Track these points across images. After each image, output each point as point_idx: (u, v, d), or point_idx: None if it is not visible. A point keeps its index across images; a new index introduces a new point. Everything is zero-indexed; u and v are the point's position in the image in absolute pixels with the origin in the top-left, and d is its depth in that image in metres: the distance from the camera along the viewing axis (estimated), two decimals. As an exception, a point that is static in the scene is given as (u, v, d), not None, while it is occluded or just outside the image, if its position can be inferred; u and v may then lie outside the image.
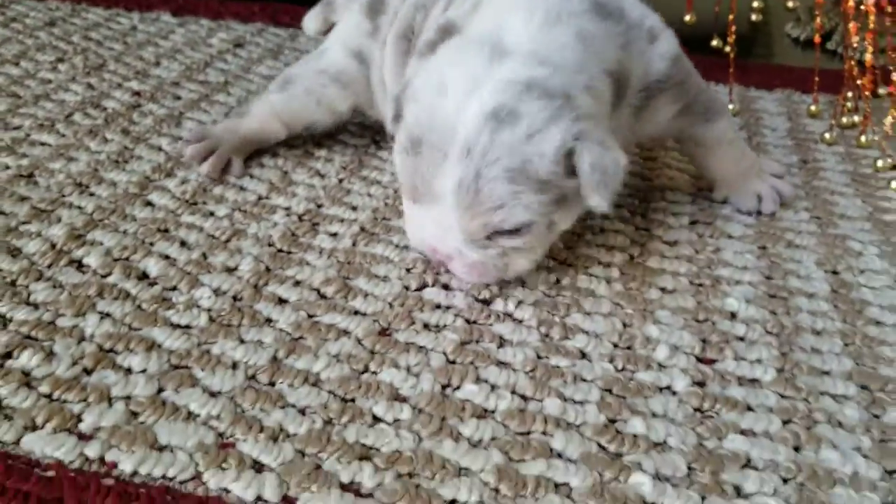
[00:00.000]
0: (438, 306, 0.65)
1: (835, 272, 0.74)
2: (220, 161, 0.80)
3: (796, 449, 0.54)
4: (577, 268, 0.71)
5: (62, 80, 0.97)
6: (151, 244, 0.69)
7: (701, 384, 0.59)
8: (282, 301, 0.64)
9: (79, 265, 0.66)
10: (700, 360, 0.62)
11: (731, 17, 1.15)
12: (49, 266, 0.65)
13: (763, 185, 0.83)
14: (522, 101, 0.59)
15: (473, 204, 0.60)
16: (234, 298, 0.64)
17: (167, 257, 0.68)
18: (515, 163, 0.59)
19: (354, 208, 0.77)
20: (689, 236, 0.78)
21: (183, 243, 0.69)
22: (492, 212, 0.60)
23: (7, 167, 0.78)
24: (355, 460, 0.50)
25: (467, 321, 0.64)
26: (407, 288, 0.67)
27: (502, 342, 0.62)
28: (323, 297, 0.65)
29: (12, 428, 0.50)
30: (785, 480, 0.52)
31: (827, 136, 1.00)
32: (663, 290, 0.69)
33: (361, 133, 0.92)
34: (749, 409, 0.57)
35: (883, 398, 0.59)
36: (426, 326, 0.62)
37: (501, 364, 0.59)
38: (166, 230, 0.71)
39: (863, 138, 0.99)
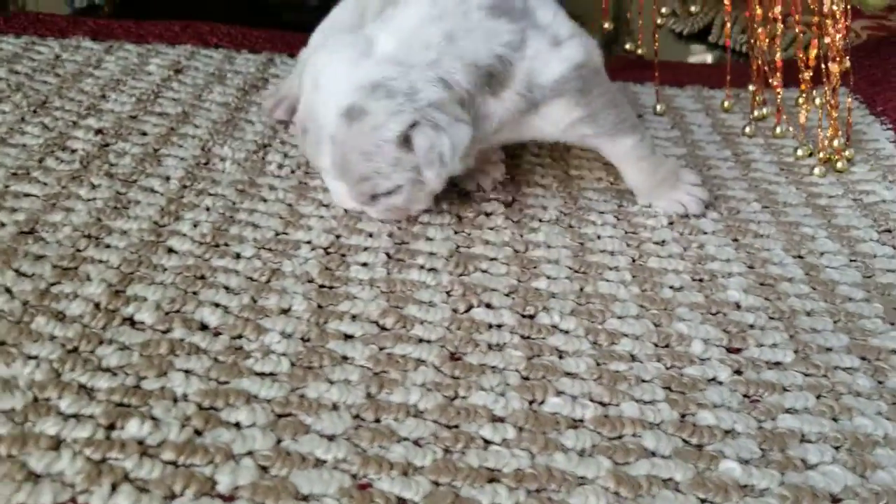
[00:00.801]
0: (491, 325, 0.69)
1: (800, 256, 0.84)
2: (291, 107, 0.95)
3: (834, 420, 0.63)
4: (591, 275, 0.77)
5: (12, 122, 0.92)
6: (195, 293, 0.69)
7: (739, 372, 0.67)
8: (348, 337, 0.66)
9: (132, 323, 0.65)
10: (729, 350, 0.70)
11: (640, 22, 1.26)
12: (103, 328, 0.64)
13: (680, 193, 0.89)
14: (369, 100, 0.73)
15: (347, 178, 0.76)
16: (303, 340, 0.65)
17: (218, 305, 0.68)
18: (369, 147, 0.74)
19: (371, 235, 0.80)
20: (672, 235, 0.86)
21: (227, 288, 0.70)
22: (362, 182, 0.75)
23: (3, 224, 0.74)
24: (486, 483, 0.54)
25: (522, 337, 0.68)
26: (455, 311, 0.70)
27: (561, 354, 0.67)
28: (384, 328, 0.68)
29: (153, 501, 0.50)
30: (837, 448, 0.60)
31: (747, 129, 1.12)
32: (672, 287, 0.77)
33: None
34: (785, 389, 0.66)
35: (882, 366, 0.69)
36: (490, 347, 0.67)
37: (569, 374, 0.65)
38: (202, 277, 0.71)
39: (777, 129, 1.12)
